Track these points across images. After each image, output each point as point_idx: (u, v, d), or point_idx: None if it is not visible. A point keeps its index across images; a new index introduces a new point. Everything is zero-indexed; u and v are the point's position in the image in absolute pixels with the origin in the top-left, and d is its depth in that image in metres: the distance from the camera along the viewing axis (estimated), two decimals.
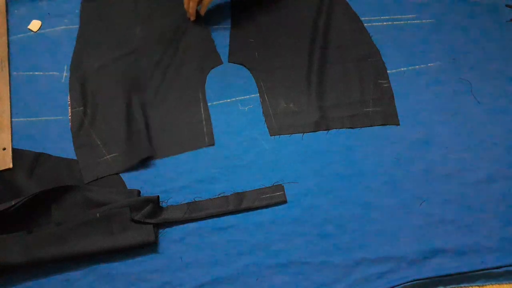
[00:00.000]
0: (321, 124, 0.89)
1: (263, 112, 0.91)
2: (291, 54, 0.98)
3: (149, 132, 0.88)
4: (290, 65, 0.96)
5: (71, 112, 0.91)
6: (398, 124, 0.89)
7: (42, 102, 0.92)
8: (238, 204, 0.79)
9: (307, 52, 0.98)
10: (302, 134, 0.88)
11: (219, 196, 0.81)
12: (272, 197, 0.80)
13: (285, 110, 0.91)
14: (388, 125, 0.88)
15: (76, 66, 0.97)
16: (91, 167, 0.85)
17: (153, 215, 0.77)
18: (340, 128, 0.88)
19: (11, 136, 0.88)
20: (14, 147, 0.86)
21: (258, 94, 0.93)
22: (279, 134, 0.88)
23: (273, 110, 0.91)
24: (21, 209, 0.77)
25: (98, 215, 0.76)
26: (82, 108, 0.91)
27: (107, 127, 0.89)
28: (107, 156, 0.86)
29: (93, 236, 0.75)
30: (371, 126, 0.88)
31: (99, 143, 0.87)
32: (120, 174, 0.84)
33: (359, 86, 0.93)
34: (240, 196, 0.80)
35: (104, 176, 0.83)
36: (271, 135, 0.88)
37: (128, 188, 0.82)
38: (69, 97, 0.93)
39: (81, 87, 0.94)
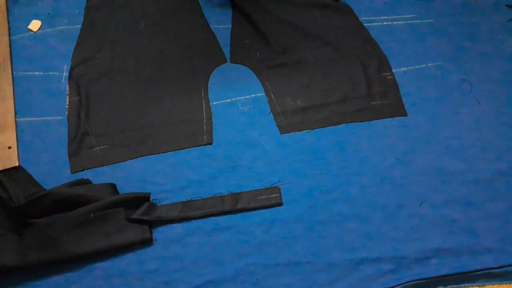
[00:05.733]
0: (331, 119, 0.88)
1: (271, 111, 0.90)
2: (293, 52, 0.98)
3: (144, 129, 0.89)
4: (293, 62, 0.97)
5: (69, 102, 0.91)
6: (406, 115, 0.89)
7: (42, 102, 0.92)
8: (233, 205, 0.79)
9: (309, 49, 0.98)
10: (309, 131, 0.88)
11: (216, 195, 0.81)
12: (268, 199, 0.80)
13: (293, 107, 0.90)
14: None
15: (77, 59, 0.97)
16: (79, 158, 0.85)
17: (148, 213, 0.77)
18: (350, 122, 0.88)
19: (16, 134, 0.88)
20: None
21: (260, 94, 0.93)
22: (289, 132, 0.88)
23: (281, 108, 0.90)
24: (10, 212, 0.77)
25: (92, 215, 0.76)
26: (77, 98, 0.92)
27: (101, 119, 0.90)
28: (96, 148, 0.86)
29: (89, 237, 0.74)
30: (381, 118, 0.88)
31: (90, 133, 0.88)
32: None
33: (364, 80, 0.93)
34: (236, 196, 0.80)
35: (92, 168, 0.84)
36: (281, 133, 0.88)
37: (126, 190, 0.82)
38: (68, 87, 0.93)
39: (80, 78, 0.94)
